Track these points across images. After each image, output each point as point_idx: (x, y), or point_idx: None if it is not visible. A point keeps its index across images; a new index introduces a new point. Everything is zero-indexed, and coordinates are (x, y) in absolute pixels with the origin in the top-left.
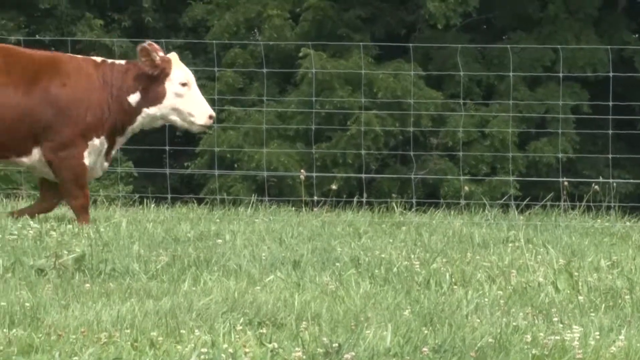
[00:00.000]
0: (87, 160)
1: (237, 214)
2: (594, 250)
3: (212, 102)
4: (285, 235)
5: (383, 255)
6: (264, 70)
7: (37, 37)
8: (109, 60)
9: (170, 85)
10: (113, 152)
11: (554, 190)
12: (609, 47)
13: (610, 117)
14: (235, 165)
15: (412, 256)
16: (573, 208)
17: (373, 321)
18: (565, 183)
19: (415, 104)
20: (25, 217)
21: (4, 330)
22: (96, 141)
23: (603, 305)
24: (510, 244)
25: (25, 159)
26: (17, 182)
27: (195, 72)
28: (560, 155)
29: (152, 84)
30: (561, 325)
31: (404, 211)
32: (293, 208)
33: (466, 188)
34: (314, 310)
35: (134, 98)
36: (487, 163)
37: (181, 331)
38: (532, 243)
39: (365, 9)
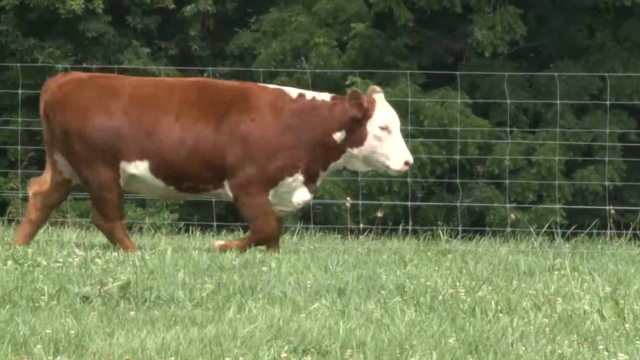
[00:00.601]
0: (272, 198)
1: (282, 242)
2: None
3: None
4: (330, 263)
5: (428, 283)
6: None
7: (85, 65)
8: (310, 94)
9: (372, 127)
10: (318, 184)
11: (600, 218)
12: None
13: None
14: None
15: (458, 284)
16: (619, 236)
17: (418, 349)
18: (612, 211)
19: (462, 132)
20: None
21: (49, 357)
22: (288, 180)
23: None
24: (556, 272)
25: (222, 191)
26: (63, 210)
27: None
28: (607, 183)
29: (355, 125)
30: (607, 354)
31: (450, 239)
32: (339, 236)
33: (512, 216)
34: (359, 338)
35: (339, 136)
36: (534, 191)
37: (226, 359)
38: (577, 271)
39: (412, 37)
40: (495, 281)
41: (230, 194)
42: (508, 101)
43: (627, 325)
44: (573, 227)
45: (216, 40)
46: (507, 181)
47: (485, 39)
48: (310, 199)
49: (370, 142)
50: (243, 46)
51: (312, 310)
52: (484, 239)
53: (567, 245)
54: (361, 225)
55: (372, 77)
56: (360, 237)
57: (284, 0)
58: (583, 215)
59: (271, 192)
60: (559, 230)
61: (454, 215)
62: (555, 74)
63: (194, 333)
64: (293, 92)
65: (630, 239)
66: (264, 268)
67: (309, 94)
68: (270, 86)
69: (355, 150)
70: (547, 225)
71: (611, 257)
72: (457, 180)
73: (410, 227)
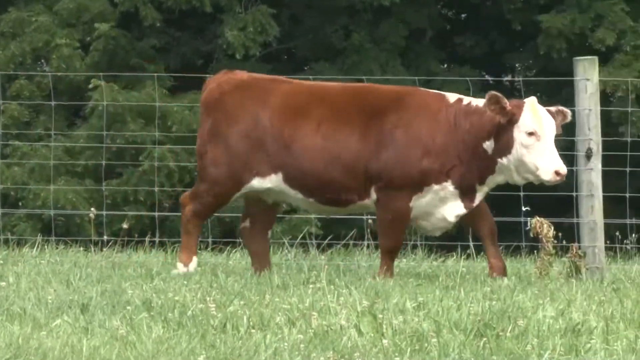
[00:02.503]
0: (417, 210)
1: (21, 255)
2: (399, 291)
3: None
4: (72, 277)
5: (177, 298)
6: (52, 102)
7: None
8: (466, 99)
9: (518, 134)
10: (476, 202)
11: (358, 229)
12: (416, 77)
13: None
14: (20, 204)
15: (208, 298)
16: (377, 247)
17: None
18: (370, 221)
19: None
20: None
21: None
22: (434, 187)
23: (409, 349)
24: (311, 285)
25: (368, 202)
26: None
27: None
28: None
29: (501, 131)
30: None
31: (200, 251)
32: (81, 248)
33: None
34: (103, 356)
35: (489, 145)
36: None
37: None
38: (334, 284)
39: (160, 38)
40: (247, 295)
41: (374, 197)
42: None
43: (385, 341)
44: (329, 238)
45: None
46: None
47: (236, 40)
48: (465, 214)
49: (517, 150)
50: None
51: (54, 328)
52: (236, 251)
53: (323, 257)
54: (105, 237)
55: (117, 81)
56: (105, 249)
57: None
58: (339, 225)
59: (414, 199)
60: (314, 242)
61: (203, 226)
62: (310, 76)
63: None
64: (451, 96)
65: None
66: (2, 283)
67: (466, 99)
68: (430, 91)
69: (504, 160)
70: (302, 236)
71: (368, 269)
72: None
73: (157, 239)
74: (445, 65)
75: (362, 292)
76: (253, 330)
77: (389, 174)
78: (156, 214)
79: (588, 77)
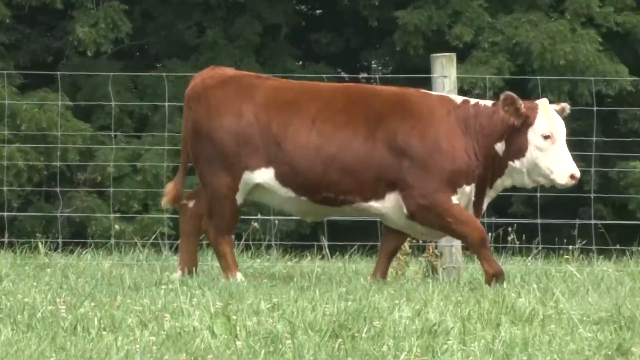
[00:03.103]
0: (457, 200)
1: None
2: (253, 292)
3: None
4: None
5: (26, 300)
6: None
7: None
8: (473, 101)
9: (533, 137)
10: (484, 207)
11: None
12: (271, 75)
13: None
14: None
15: (58, 300)
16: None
17: None
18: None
19: (62, 137)
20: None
21: None
22: (467, 188)
23: (263, 350)
24: (163, 286)
25: (375, 204)
26: None
27: None
28: None
29: (514, 134)
30: None
31: (49, 252)
32: None
33: (116, 227)
34: None
35: (500, 147)
36: (139, 200)
37: None
38: (187, 285)
39: (9, 35)
40: (98, 297)
41: (406, 209)
42: (112, 103)
43: (239, 343)
44: None
45: None
46: (111, 189)
47: (87, 37)
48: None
49: (531, 153)
50: None
51: None
52: (86, 252)
53: (176, 257)
54: None
55: None
56: None
57: None
58: None
59: (453, 198)
60: (166, 242)
61: (53, 227)
62: (164, 74)
63: None
64: (457, 99)
65: (242, 250)
66: None
67: (473, 102)
68: (433, 94)
69: (517, 163)
70: (154, 236)
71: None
72: (57, 189)
73: (6, 240)
74: (301, 63)
75: (216, 293)
76: (104, 332)
77: (412, 183)
78: (5, 214)
79: (446, 74)
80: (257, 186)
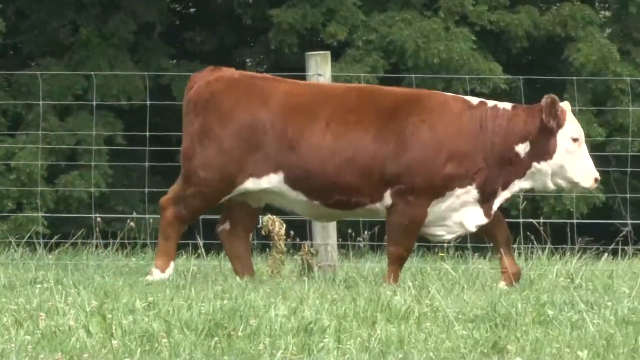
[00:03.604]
0: (433, 215)
1: None
2: (128, 290)
3: None
4: None
5: None
6: None
7: None
8: (491, 103)
9: (562, 139)
10: (494, 208)
11: (86, 227)
12: (145, 73)
13: (147, 148)
14: None
15: None
16: (106, 246)
17: None
18: (99, 219)
19: None
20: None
21: None
22: (458, 191)
23: (139, 349)
24: (38, 285)
25: (379, 205)
26: None
27: None
28: (93, 189)
29: (543, 136)
30: None
31: None
32: None
33: None
34: None
35: (522, 148)
36: (13, 198)
37: None
38: (62, 284)
39: None
40: None
41: (388, 203)
42: None
43: (115, 342)
44: (56, 237)
45: None
46: None
47: None
48: (485, 223)
49: (560, 155)
50: None
51: None
52: None
53: (51, 256)
54: None
55: None
56: None
57: None
58: (67, 224)
59: (434, 203)
60: (41, 241)
61: None
62: (38, 72)
63: None
64: (473, 100)
65: (117, 249)
66: None
67: (492, 104)
68: (447, 94)
69: (542, 164)
70: (28, 235)
71: (97, 268)
72: None
73: None
74: (175, 61)
75: (91, 292)
76: None
77: (409, 178)
78: None
79: (320, 72)
80: (266, 191)
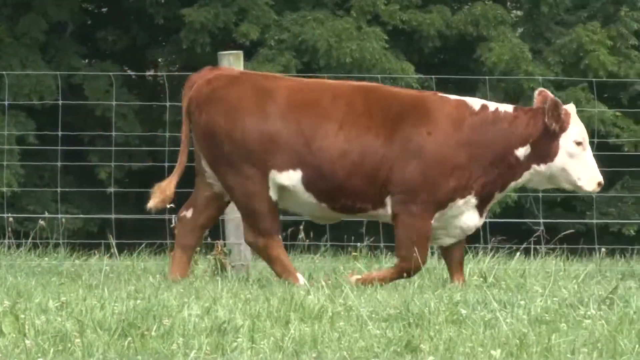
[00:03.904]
0: (437, 222)
1: None
2: (41, 290)
3: None
4: None
5: None
6: None
7: None
8: (493, 106)
9: (565, 142)
10: (487, 208)
11: (0, 228)
12: (57, 73)
13: (59, 148)
14: None
15: None
16: (18, 246)
17: None
18: (10, 219)
19: None
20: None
21: None
22: (459, 202)
23: (52, 349)
24: None
25: (382, 211)
26: None
27: None
28: (4, 189)
29: (544, 138)
30: None
31: None
32: None
33: None
34: None
35: (522, 152)
36: None
37: None
38: None
39: None
40: None
41: (390, 211)
42: None
43: (28, 342)
44: None
45: None
46: None
47: None
48: (480, 225)
49: (561, 158)
50: None
51: None
52: None
53: None
54: None
55: None
56: None
57: None
58: None
59: (437, 215)
60: None
61: None
62: None
63: None
64: (476, 103)
65: (30, 249)
66: None
67: (492, 105)
68: (452, 98)
69: (542, 167)
70: None
71: (10, 268)
72: None
73: None
74: (87, 60)
75: (4, 292)
76: None
77: (412, 189)
78: None
79: None
80: (281, 188)
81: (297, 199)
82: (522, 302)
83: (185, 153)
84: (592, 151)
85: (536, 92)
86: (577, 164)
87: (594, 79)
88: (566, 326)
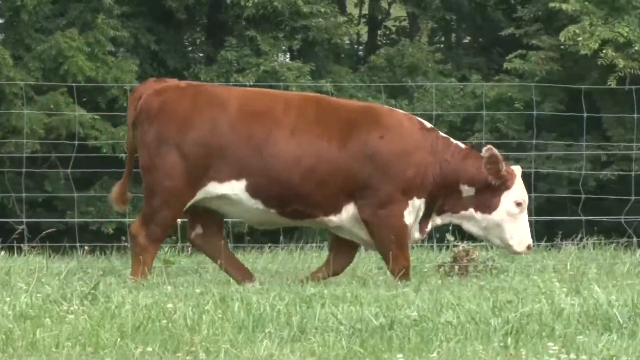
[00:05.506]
0: (407, 220)
1: None
2: None
3: None
4: None
5: None
6: None
7: None
8: (449, 138)
9: (507, 200)
10: (428, 229)
11: None
12: None
13: None
14: None
15: None
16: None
17: None
18: None
19: None
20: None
21: None
22: (416, 202)
23: None
24: None
25: (333, 218)
26: None
27: None
28: None
29: (488, 190)
30: None
31: None
32: None
33: None
34: None
35: (466, 190)
36: None
37: None
38: None
39: None
40: None
41: (358, 217)
42: None
43: None
44: None
45: None
46: None
47: None
48: (418, 239)
49: (499, 214)
50: None
51: None
52: None
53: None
54: None
55: None
56: None
57: None
58: None
59: (405, 213)
60: None
61: None
62: None
63: None
64: (427, 124)
65: None
66: None
67: (449, 138)
68: (400, 111)
69: (479, 215)
70: None
71: None
72: None
73: None
74: None
75: None
76: None
77: (374, 191)
78: None
79: None
80: (221, 197)
81: (242, 206)
82: (8, 299)
83: (131, 163)
84: (72, 154)
85: (484, 149)
86: (513, 223)
87: (73, 84)
88: (50, 321)
